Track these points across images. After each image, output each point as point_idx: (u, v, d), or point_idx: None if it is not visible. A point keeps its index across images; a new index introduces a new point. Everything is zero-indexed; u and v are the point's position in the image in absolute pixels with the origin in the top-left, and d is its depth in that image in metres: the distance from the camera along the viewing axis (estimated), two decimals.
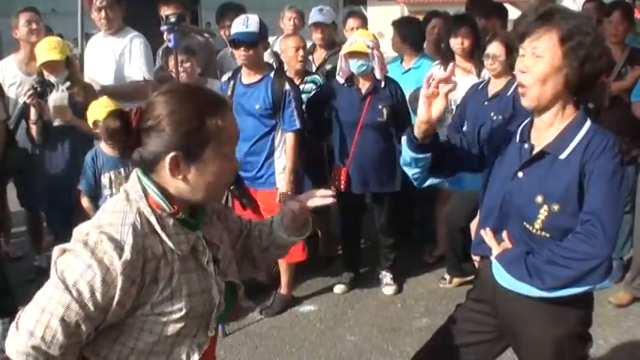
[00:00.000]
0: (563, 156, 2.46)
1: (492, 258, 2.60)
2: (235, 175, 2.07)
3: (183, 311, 1.91)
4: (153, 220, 1.89)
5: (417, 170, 2.80)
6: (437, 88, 2.54)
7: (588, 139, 2.44)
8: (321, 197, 2.36)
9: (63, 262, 1.85)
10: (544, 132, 2.55)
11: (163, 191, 1.93)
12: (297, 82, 5.63)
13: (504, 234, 2.61)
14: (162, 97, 1.94)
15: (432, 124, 2.58)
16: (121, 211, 1.89)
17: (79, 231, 1.91)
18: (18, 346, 1.80)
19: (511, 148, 2.67)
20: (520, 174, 2.57)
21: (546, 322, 2.57)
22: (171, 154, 1.86)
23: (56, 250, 1.90)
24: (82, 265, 1.80)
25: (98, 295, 1.78)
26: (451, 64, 2.63)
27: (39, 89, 4.77)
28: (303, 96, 5.40)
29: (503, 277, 2.55)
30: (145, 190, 1.92)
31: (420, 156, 2.70)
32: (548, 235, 2.49)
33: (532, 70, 2.45)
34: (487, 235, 2.65)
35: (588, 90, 2.49)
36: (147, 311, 1.89)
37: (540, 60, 2.42)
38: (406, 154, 2.74)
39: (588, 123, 2.49)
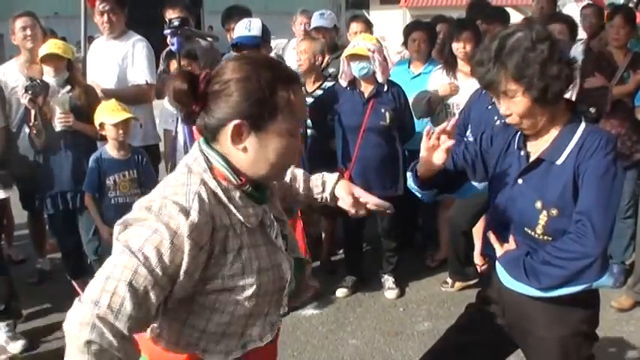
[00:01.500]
0: (559, 161, 2.50)
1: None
2: (299, 156, 1.99)
3: (254, 287, 1.84)
4: (219, 191, 1.82)
5: (422, 195, 2.90)
6: (438, 140, 2.61)
7: (582, 140, 2.47)
8: (377, 207, 2.34)
9: (126, 234, 1.77)
10: (539, 138, 2.58)
11: (228, 162, 1.85)
12: (313, 85, 5.64)
13: (511, 236, 2.63)
14: (234, 62, 1.86)
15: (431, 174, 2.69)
16: (184, 183, 1.81)
17: (140, 203, 1.82)
18: (82, 318, 1.63)
19: (510, 154, 2.70)
20: (520, 181, 2.61)
21: (551, 321, 2.60)
22: (236, 121, 1.79)
23: (117, 227, 1.82)
24: (148, 230, 1.72)
25: (166, 259, 1.69)
26: (453, 120, 2.69)
27: (30, 91, 4.74)
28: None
29: (505, 277, 2.59)
30: (209, 161, 1.86)
31: (425, 192, 2.82)
32: (550, 239, 2.52)
33: (514, 110, 2.49)
34: (492, 236, 2.67)
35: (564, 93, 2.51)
36: (217, 286, 1.81)
37: (514, 100, 2.46)
38: (411, 186, 2.86)
39: (582, 125, 2.52)
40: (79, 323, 1.63)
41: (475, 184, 2.91)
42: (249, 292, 1.83)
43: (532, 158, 2.58)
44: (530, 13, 8.11)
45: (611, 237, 2.46)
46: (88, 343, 1.61)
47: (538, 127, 2.53)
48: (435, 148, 2.61)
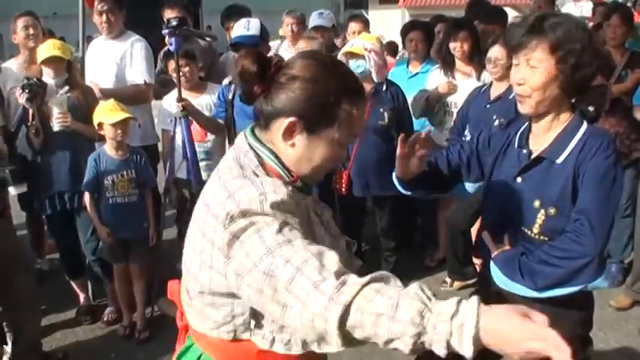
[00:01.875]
0: (559, 160, 2.49)
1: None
2: (341, 163, 1.98)
3: None
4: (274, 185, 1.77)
5: (413, 194, 2.94)
6: (412, 148, 2.62)
7: (584, 141, 2.47)
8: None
9: (246, 242, 1.66)
10: (541, 137, 2.58)
11: (278, 158, 1.85)
12: None
13: (505, 237, 2.62)
14: (306, 60, 1.85)
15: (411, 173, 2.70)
16: (243, 176, 1.79)
17: (223, 215, 1.70)
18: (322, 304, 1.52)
19: (510, 153, 2.69)
20: (519, 179, 2.60)
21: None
22: (292, 118, 1.79)
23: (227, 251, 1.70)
24: (265, 226, 1.65)
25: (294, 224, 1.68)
26: (427, 129, 2.74)
27: (27, 90, 4.73)
28: None
29: (499, 277, 2.59)
30: (260, 156, 1.85)
31: (411, 193, 2.87)
32: (546, 239, 2.52)
33: (529, 80, 2.47)
34: (487, 237, 2.67)
35: (583, 93, 2.52)
36: None
37: (535, 70, 2.45)
38: (397, 186, 2.89)
39: (584, 126, 2.51)
40: (324, 309, 1.52)
41: (467, 185, 2.91)
42: None
43: (533, 156, 2.58)
44: (528, 11, 8.10)
45: (609, 238, 2.46)
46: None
47: (540, 109, 2.51)
48: (408, 155, 2.62)
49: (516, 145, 2.66)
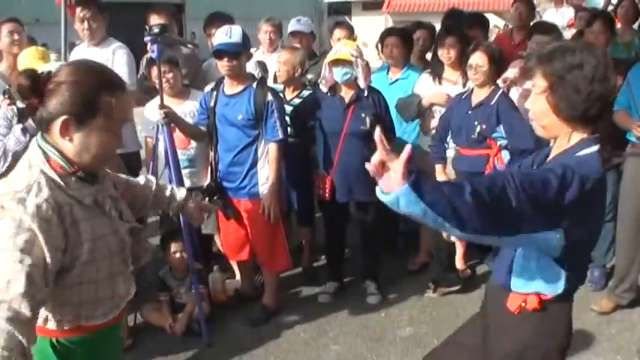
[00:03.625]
0: None
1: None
2: (116, 149, 2.39)
3: (91, 250, 2.22)
4: (56, 178, 2.17)
5: None
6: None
7: (578, 163, 2.44)
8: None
9: None
10: (555, 157, 2.59)
11: (61, 153, 2.20)
12: (292, 94, 5.64)
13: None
14: (69, 66, 2.23)
15: None
16: (25, 177, 2.15)
17: None
18: None
19: None
20: None
21: (501, 334, 2.64)
22: (65, 116, 2.14)
23: None
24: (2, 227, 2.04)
25: (26, 244, 2.02)
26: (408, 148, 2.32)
27: (7, 95, 4.69)
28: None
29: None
30: (47, 155, 2.20)
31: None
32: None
33: (532, 107, 2.54)
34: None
35: (591, 119, 2.47)
36: (75, 258, 2.19)
37: (538, 97, 2.49)
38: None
39: (589, 150, 2.45)
40: None
41: None
42: (89, 255, 2.21)
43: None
44: (509, 17, 8.14)
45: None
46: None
47: (550, 133, 2.54)
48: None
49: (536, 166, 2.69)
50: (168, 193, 3.03)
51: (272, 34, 6.58)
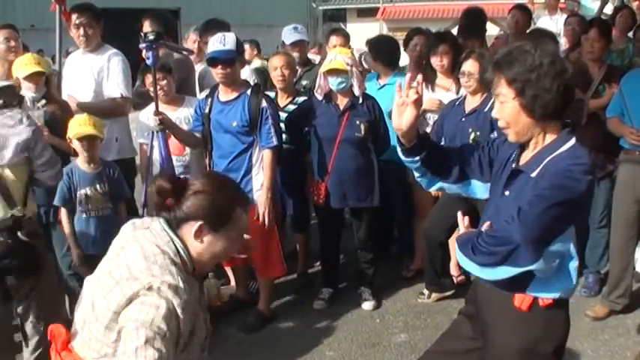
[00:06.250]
0: (534, 174, 2.56)
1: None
2: (234, 254, 2.54)
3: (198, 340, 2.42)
4: (184, 276, 2.27)
5: (418, 174, 2.96)
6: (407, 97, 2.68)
7: (561, 158, 2.52)
8: None
9: (132, 312, 2.16)
10: (529, 153, 2.65)
11: (188, 251, 2.34)
12: (285, 100, 5.65)
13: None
14: (206, 178, 2.44)
15: (408, 131, 2.73)
16: (165, 265, 2.25)
17: (132, 281, 2.21)
18: None
19: (507, 168, 2.75)
20: (506, 192, 2.69)
21: (510, 332, 2.66)
22: (200, 222, 2.31)
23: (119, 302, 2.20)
24: (151, 307, 2.14)
25: (171, 328, 2.15)
26: (408, 75, 2.82)
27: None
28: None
29: (460, 257, 2.68)
30: (177, 250, 2.31)
31: (409, 159, 2.86)
32: None
33: (501, 115, 2.60)
34: (461, 218, 2.80)
35: (560, 114, 2.59)
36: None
37: (504, 105, 2.57)
38: (401, 157, 2.92)
39: (568, 145, 2.56)
40: None
41: (445, 185, 2.94)
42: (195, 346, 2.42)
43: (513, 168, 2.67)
44: (506, 25, 8.15)
45: (542, 229, 2.49)
46: None
47: (523, 137, 2.60)
48: (405, 105, 2.68)
49: (512, 159, 2.74)
50: None
51: (200, 44, 6.57)
